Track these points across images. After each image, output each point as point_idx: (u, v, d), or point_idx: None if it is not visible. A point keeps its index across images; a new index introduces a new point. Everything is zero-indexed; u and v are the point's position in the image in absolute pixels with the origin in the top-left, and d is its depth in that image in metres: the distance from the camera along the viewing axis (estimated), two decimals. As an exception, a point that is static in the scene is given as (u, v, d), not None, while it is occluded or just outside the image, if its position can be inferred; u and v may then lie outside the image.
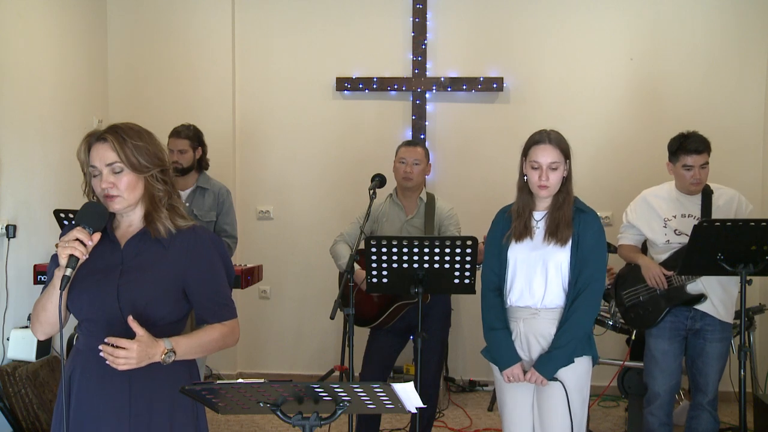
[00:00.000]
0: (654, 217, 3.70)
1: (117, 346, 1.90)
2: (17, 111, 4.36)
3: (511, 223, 2.89)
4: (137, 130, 2.07)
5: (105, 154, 2.01)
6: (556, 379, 2.78)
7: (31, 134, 4.50)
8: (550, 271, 2.82)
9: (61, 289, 1.92)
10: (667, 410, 3.68)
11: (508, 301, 2.89)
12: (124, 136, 2.02)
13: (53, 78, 4.80)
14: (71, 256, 1.92)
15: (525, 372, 2.83)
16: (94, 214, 2.00)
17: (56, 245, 1.96)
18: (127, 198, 2.04)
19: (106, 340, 1.91)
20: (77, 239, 1.93)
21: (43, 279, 4.05)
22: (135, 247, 2.07)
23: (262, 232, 5.65)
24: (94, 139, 2.05)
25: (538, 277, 2.83)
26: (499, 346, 2.87)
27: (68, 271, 1.92)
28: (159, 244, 2.07)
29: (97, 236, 1.98)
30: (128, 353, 1.89)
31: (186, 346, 2.01)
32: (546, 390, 2.82)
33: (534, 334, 2.85)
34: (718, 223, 3.21)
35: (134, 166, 2.02)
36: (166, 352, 1.95)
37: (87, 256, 1.96)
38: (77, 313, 2.07)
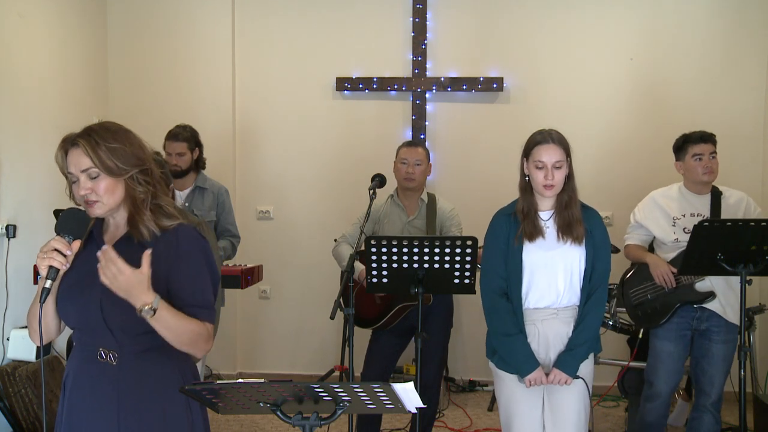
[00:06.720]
0: (663, 216, 3.69)
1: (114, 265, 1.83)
2: (17, 111, 4.36)
3: (518, 225, 2.86)
4: (114, 130, 1.98)
5: (79, 160, 1.94)
6: (578, 377, 2.78)
7: (31, 134, 4.50)
8: (570, 269, 2.82)
9: (41, 301, 1.88)
10: (667, 405, 3.73)
11: (525, 304, 2.84)
12: (97, 139, 1.93)
13: (53, 78, 4.79)
14: (51, 267, 1.87)
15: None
16: (75, 221, 1.94)
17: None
18: (106, 202, 1.95)
19: (104, 248, 1.85)
20: (56, 249, 1.88)
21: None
22: (119, 253, 1.95)
23: (262, 232, 5.64)
24: (69, 144, 1.96)
25: (560, 277, 2.82)
26: (518, 353, 2.81)
27: (48, 283, 1.88)
28: (142, 248, 1.94)
29: (76, 244, 1.92)
30: (118, 274, 1.83)
31: (167, 317, 1.89)
32: (560, 389, 2.81)
33: (554, 334, 2.83)
34: (717, 223, 3.21)
35: (110, 169, 1.93)
36: (147, 307, 1.84)
37: (68, 266, 1.91)
38: (66, 321, 2.03)
